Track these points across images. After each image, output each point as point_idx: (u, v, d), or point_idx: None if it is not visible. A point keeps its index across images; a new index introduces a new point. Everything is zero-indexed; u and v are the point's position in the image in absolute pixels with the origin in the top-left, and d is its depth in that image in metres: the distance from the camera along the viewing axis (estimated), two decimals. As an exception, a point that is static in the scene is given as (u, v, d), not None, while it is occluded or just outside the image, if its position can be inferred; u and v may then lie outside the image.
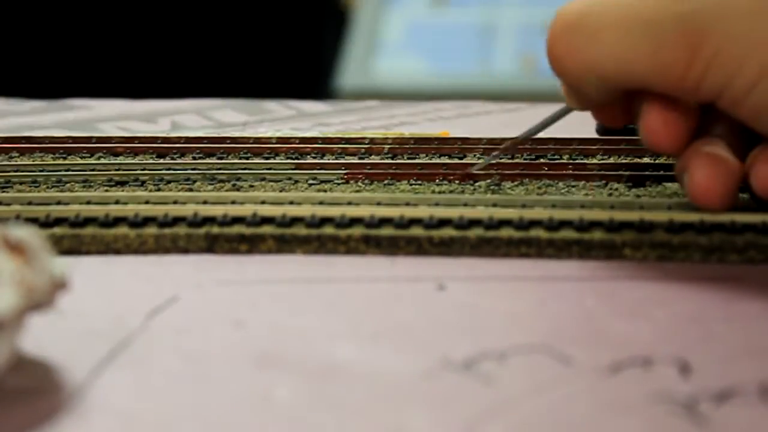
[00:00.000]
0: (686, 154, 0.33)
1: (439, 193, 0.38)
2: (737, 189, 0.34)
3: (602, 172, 0.39)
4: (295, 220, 0.35)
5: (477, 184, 0.39)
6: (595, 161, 0.41)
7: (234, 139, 0.45)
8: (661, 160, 0.41)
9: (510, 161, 0.41)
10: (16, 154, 0.44)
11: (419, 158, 0.43)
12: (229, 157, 0.43)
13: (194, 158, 0.43)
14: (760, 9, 0.31)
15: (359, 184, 0.39)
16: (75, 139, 0.46)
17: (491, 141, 0.43)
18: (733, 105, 0.32)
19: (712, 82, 0.32)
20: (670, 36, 0.32)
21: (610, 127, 0.36)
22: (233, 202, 0.36)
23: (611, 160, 0.42)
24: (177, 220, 0.35)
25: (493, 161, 0.40)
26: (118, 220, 0.35)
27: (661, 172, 0.39)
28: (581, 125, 0.42)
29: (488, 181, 0.39)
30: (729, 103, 0.32)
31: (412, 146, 0.43)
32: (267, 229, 0.34)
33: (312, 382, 0.25)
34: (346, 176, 0.40)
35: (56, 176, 0.40)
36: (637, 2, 0.32)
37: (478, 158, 0.41)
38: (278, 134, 0.47)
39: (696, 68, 0.31)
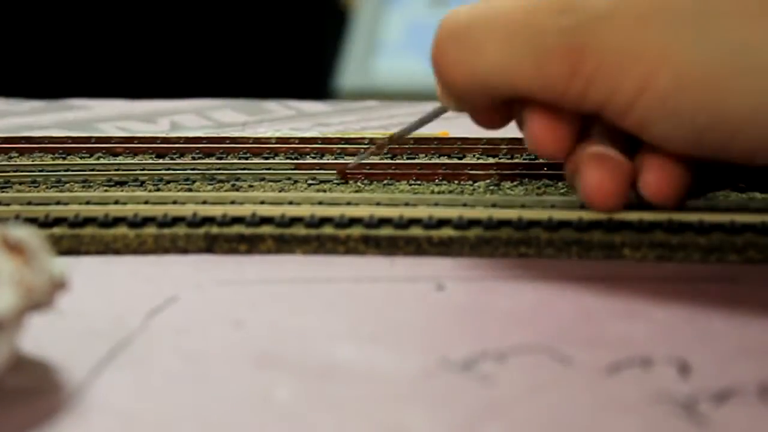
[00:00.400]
0: (576, 157, 0.34)
1: (439, 193, 0.38)
2: (629, 188, 0.34)
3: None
4: (295, 220, 0.35)
5: (476, 184, 0.39)
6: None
7: (233, 139, 0.45)
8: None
9: (509, 161, 0.42)
10: (16, 154, 0.44)
11: (418, 158, 0.43)
12: (229, 157, 0.43)
13: (193, 158, 0.43)
14: (638, 25, 0.31)
15: (358, 184, 0.39)
16: (74, 139, 0.46)
17: (491, 141, 0.43)
18: (617, 118, 0.32)
19: (594, 97, 0.32)
20: (553, 51, 0.32)
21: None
22: (232, 202, 0.36)
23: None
24: (176, 220, 0.35)
25: (366, 160, 0.40)
26: (117, 220, 0.35)
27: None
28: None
29: (487, 181, 0.39)
30: (613, 116, 0.32)
31: (411, 146, 0.43)
32: (266, 229, 0.34)
33: (312, 382, 0.25)
34: (339, 172, 0.39)
35: (55, 176, 0.40)
36: (522, 15, 0.32)
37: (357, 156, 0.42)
38: (278, 134, 0.47)
39: (578, 83, 0.32)
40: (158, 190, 0.39)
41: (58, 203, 0.36)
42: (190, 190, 0.39)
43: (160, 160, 0.43)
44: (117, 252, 0.34)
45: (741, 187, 0.38)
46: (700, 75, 0.30)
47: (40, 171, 0.41)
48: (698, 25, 0.30)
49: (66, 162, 0.42)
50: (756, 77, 0.30)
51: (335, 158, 0.43)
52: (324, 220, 0.35)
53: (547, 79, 0.32)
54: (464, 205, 0.36)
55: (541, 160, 0.41)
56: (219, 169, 0.41)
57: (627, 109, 0.32)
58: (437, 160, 0.42)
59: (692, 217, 0.34)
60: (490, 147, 0.43)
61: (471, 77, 0.33)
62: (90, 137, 0.46)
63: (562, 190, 0.38)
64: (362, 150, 0.42)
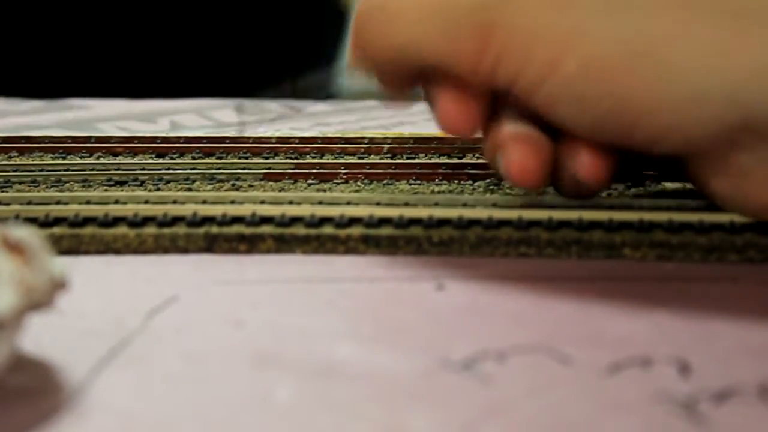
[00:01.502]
0: (496, 135, 0.34)
1: (439, 193, 0.38)
2: (551, 166, 0.34)
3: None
4: (295, 220, 0.35)
5: (476, 184, 0.39)
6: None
7: (233, 139, 0.45)
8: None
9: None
10: (16, 154, 0.44)
11: (418, 158, 0.43)
12: (229, 156, 0.43)
13: (193, 158, 0.43)
14: (548, 7, 0.31)
15: (358, 183, 0.39)
16: (74, 139, 0.46)
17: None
18: (526, 96, 0.32)
19: (503, 74, 0.32)
20: (464, 25, 0.32)
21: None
22: (232, 202, 0.36)
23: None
24: (176, 220, 0.35)
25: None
26: (117, 220, 0.35)
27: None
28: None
29: (487, 181, 0.39)
30: (522, 94, 0.32)
31: (411, 146, 0.43)
32: (266, 229, 0.34)
33: (312, 382, 0.25)
34: (345, 175, 0.40)
35: (55, 176, 0.40)
36: None
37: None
38: (278, 134, 0.47)
39: (487, 59, 0.32)
40: (158, 189, 0.39)
41: (58, 203, 0.36)
42: (190, 189, 0.39)
43: (160, 160, 0.43)
44: (117, 252, 0.34)
45: (649, 176, 0.38)
46: (605, 62, 0.31)
47: (40, 171, 0.41)
48: (607, 13, 0.31)
49: (66, 162, 0.42)
50: (658, 69, 0.30)
51: (335, 158, 0.43)
52: (324, 220, 0.35)
53: (458, 54, 0.32)
54: (464, 205, 0.36)
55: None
56: (219, 169, 0.41)
57: (534, 89, 0.32)
58: (437, 160, 0.42)
59: (692, 217, 0.34)
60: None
61: (388, 49, 0.34)
62: (90, 137, 0.46)
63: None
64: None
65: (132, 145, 0.44)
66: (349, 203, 0.36)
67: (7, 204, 0.36)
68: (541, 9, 0.31)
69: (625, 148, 0.33)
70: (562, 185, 0.35)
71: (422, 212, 0.35)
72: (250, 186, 0.39)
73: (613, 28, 0.31)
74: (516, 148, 0.33)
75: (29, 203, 0.36)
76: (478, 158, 0.42)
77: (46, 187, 0.39)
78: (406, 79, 0.35)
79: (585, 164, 0.33)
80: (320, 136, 0.46)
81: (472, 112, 0.34)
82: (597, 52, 0.31)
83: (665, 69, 0.30)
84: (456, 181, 0.39)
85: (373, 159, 0.42)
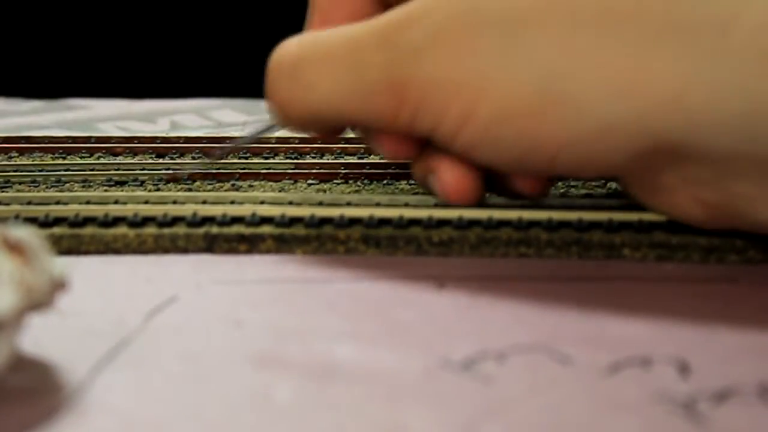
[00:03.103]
0: (427, 159, 0.35)
1: (439, 193, 0.38)
2: (484, 183, 0.35)
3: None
4: (295, 220, 0.35)
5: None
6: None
7: (234, 139, 0.45)
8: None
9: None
10: (16, 154, 0.44)
11: (419, 158, 0.43)
12: (229, 156, 0.43)
13: (194, 158, 0.43)
14: (455, 57, 0.32)
15: (358, 184, 0.39)
16: (74, 139, 0.46)
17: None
18: (445, 144, 0.33)
19: (421, 126, 0.33)
20: (377, 86, 0.33)
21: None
22: (232, 202, 0.36)
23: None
24: (176, 220, 0.35)
25: (196, 170, 0.40)
26: (117, 220, 0.35)
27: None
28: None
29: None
30: (442, 141, 0.33)
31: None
32: (266, 229, 0.35)
33: (312, 382, 0.25)
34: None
35: (55, 176, 0.40)
36: (345, 51, 0.33)
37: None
38: (278, 134, 0.47)
39: (405, 114, 0.33)
40: (158, 189, 0.39)
41: (58, 203, 0.36)
42: (190, 189, 0.39)
43: (160, 160, 0.43)
44: (117, 252, 0.34)
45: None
46: (515, 106, 0.31)
47: (40, 171, 0.41)
48: (511, 57, 0.31)
49: (66, 162, 0.42)
50: (565, 106, 0.31)
51: (335, 158, 0.43)
52: (324, 220, 0.35)
53: (375, 113, 0.33)
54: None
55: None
56: (219, 169, 0.41)
57: (452, 137, 0.33)
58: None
59: (692, 217, 0.34)
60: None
61: (304, 112, 0.34)
62: (90, 137, 0.46)
63: (561, 190, 0.38)
64: (195, 159, 0.43)
65: (132, 145, 0.44)
66: (349, 203, 0.36)
67: (7, 204, 0.36)
68: (449, 61, 0.32)
69: (553, 176, 0.35)
70: (502, 193, 0.36)
71: (422, 213, 0.35)
72: (250, 186, 0.39)
73: (519, 71, 0.31)
74: (449, 170, 0.34)
75: (29, 203, 0.36)
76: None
77: (46, 187, 0.39)
78: (330, 130, 0.36)
79: (448, 183, 0.34)
80: (320, 136, 0.45)
81: (410, 145, 0.35)
82: (506, 97, 0.31)
83: (573, 106, 0.31)
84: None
85: (373, 159, 0.42)
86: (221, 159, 0.42)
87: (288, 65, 0.34)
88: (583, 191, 0.38)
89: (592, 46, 0.30)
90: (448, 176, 0.34)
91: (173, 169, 0.41)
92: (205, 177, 0.40)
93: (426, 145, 0.34)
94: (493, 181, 0.35)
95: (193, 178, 0.40)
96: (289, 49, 0.34)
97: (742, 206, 0.31)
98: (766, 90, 0.29)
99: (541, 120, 0.31)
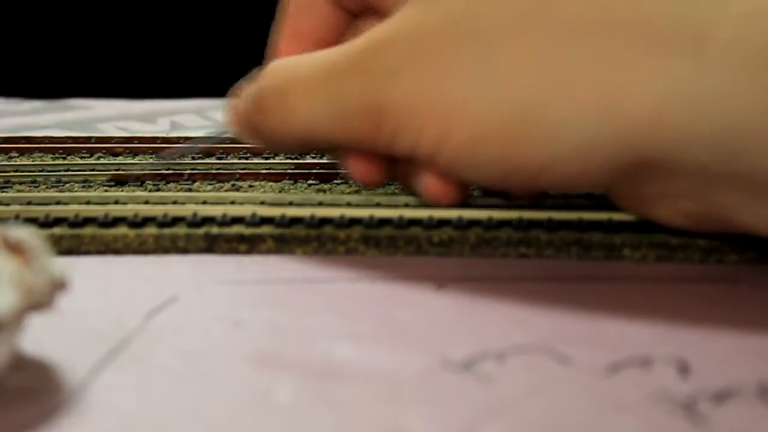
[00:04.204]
0: (407, 165, 0.35)
1: (439, 193, 0.38)
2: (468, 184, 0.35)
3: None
4: (295, 221, 0.35)
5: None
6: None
7: (233, 139, 0.45)
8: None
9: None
10: (16, 154, 0.44)
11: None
12: (229, 157, 0.43)
13: (194, 158, 0.43)
14: (430, 81, 0.32)
15: (358, 184, 0.39)
16: (74, 139, 0.46)
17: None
18: (426, 162, 0.33)
19: (400, 147, 0.33)
20: (355, 111, 0.33)
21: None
22: (233, 203, 0.36)
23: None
24: (176, 220, 0.35)
25: (148, 171, 0.41)
26: (117, 220, 0.35)
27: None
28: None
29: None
30: (422, 161, 0.33)
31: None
32: (266, 230, 0.35)
33: (312, 382, 0.25)
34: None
35: (56, 176, 0.40)
36: (324, 77, 0.34)
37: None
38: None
39: (383, 137, 0.33)
40: (158, 190, 0.39)
41: (58, 203, 0.36)
42: (190, 190, 0.39)
43: (158, 159, 0.43)
44: (117, 252, 0.34)
45: None
46: (492, 128, 0.31)
47: (40, 171, 0.41)
48: (487, 80, 0.31)
49: (66, 162, 0.42)
50: (544, 128, 0.30)
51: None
52: (324, 221, 0.35)
53: (355, 136, 0.33)
54: (464, 205, 0.36)
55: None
56: (219, 169, 0.41)
57: (431, 158, 0.33)
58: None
59: (692, 218, 0.34)
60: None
61: (285, 134, 0.35)
62: (90, 137, 0.46)
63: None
64: (147, 161, 0.43)
65: (132, 146, 0.44)
66: (349, 204, 0.36)
67: (8, 204, 0.36)
68: (424, 84, 0.32)
69: (539, 191, 0.35)
70: (497, 194, 0.36)
71: (422, 213, 0.35)
72: (251, 186, 0.39)
73: (493, 93, 0.31)
74: (430, 175, 0.34)
75: (29, 203, 0.36)
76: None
77: (47, 188, 0.39)
78: (305, 149, 0.37)
79: (430, 186, 0.35)
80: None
81: (380, 169, 0.35)
82: (482, 120, 0.31)
83: (550, 127, 0.30)
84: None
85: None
86: (173, 160, 0.41)
87: (271, 90, 0.35)
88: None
89: (567, 65, 0.30)
90: (429, 178, 0.34)
91: (174, 170, 0.41)
92: (205, 177, 0.40)
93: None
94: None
95: (142, 179, 0.40)
96: (275, 72, 0.35)
97: (727, 215, 0.31)
98: (743, 104, 0.28)
99: (519, 142, 0.31)
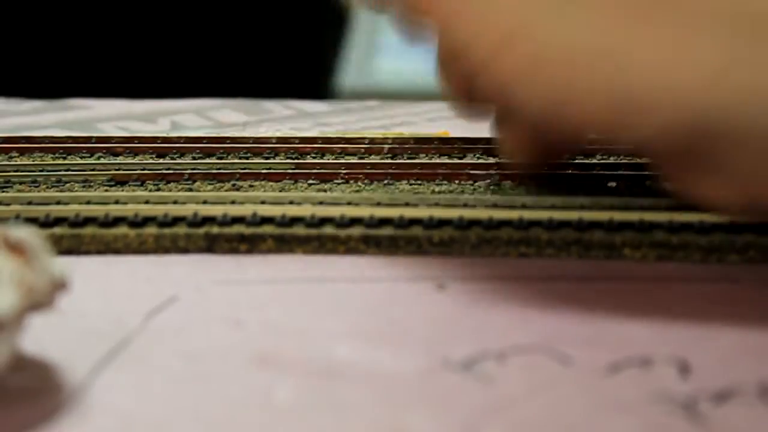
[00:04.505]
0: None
1: (439, 193, 0.38)
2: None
3: (602, 172, 0.40)
4: (295, 220, 0.35)
5: (477, 183, 0.39)
6: (594, 161, 0.41)
7: (234, 139, 0.45)
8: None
9: (509, 161, 0.41)
10: (16, 154, 0.44)
11: (419, 158, 0.43)
12: (229, 157, 0.43)
13: (194, 158, 0.43)
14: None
15: (359, 184, 0.39)
16: (75, 139, 0.46)
17: (491, 141, 0.43)
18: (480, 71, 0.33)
19: (456, 38, 0.33)
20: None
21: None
22: (233, 202, 0.36)
23: (611, 160, 0.42)
24: (177, 220, 0.35)
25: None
26: (117, 220, 0.35)
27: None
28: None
29: (488, 181, 0.39)
30: (476, 67, 0.33)
31: (411, 146, 0.43)
32: (267, 229, 0.35)
33: (312, 382, 0.25)
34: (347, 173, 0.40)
35: (56, 176, 0.40)
36: None
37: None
38: (278, 134, 0.47)
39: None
40: (159, 189, 0.39)
41: (58, 203, 0.36)
42: (190, 189, 0.39)
43: (161, 160, 0.43)
44: (117, 252, 0.34)
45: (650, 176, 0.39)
46: (552, 52, 0.31)
47: (40, 171, 0.41)
48: (561, 10, 0.31)
49: (66, 162, 0.42)
50: (616, 68, 0.30)
51: (336, 158, 0.43)
52: (324, 220, 0.35)
53: None
54: (465, 205, 0.36)
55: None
56: (219, 169, 0.41)
57: (488, 63, 0.32)
58: (438, 160, 0.42)
59: (692, 217, 0.34)
60: (491, 147, 0.43)
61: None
62: (90, 137, 0.46)
63: (561, 190, 0.38)
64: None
65: (132, 145, 0.44)
66: (349, 203, 0.36)
67: (8, 204, 0.36)
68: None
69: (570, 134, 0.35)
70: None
71: (423, 212, 0.35)
72: (251, 186, 0.39)
73: (573, 22, 0.31)
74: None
75: (30, 203, 0.36)
76: (478, 158, 0.42)
77: (47, 188, 0.39)
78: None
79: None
80: (320, 136, 0.46)
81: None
82: (544, 41, 0.31)
83: (607, 68, 0.30)
84: (456, 182, 0.39)
85: (374, 159, 0.42)
86: None
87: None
88: (583, 190, 0.38)
89: (649, 20, 0.30)
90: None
91: (174, 170, 0.41)
92: (205, 177, 0.40)
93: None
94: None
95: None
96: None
97: None
98: None
99: (575, 75, 0.31)
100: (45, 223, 0.35)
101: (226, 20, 0.96)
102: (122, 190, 0.39)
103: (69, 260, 0.33)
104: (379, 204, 0.36)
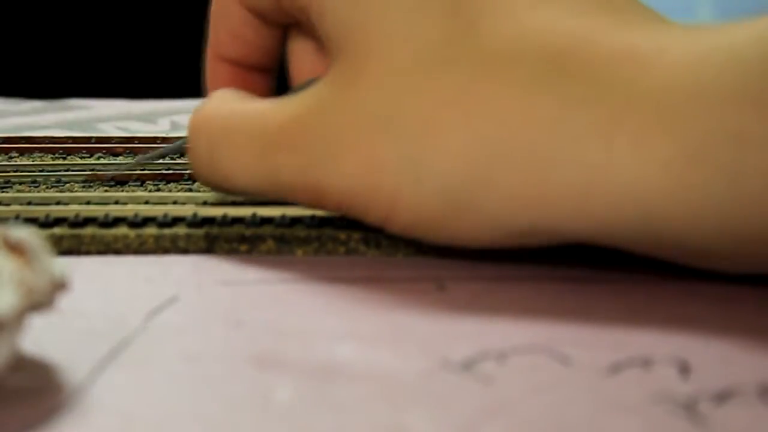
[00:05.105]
0: None
1: (439, 193, 0.38)
2: None
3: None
4: (295, 221, 0.35)
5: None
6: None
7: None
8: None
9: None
10: (16, 154, 0.44)
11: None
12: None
13: (171, 159, 0.43)
14: (367, 165, 0.31)
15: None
16: (74, 139, 0.46)
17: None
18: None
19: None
20: (294, 185, 0.33)
21: None
22: (233, 203, 0.36)
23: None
24: (177, 221, 0.35)
25: (121, 171, 0.41)
26: (117, 221, 0.35)
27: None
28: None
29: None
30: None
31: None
32: (267, 230, 0.35)
33: (312, 382, 0.25)
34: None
35: (56, 176, 0.40)
36: (258, 145, 0.34)
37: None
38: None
39: (327, 208, 0.33)
40: (158, 190, 0.39)
41: (58, 203, 0.36)
42: (190, 190, 0.39)
43: (161, 160, 0.43)
44: (117, 252, 0.34)
45: None
46: (429, 215, 0.31)
47: (40, 171, 0.41)
48: (415, 163, 0.31)
49: (66, 162, 0.42)
50: (478, 215, 0.30)
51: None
52: (324, 221, 0.35)
53: (295, 200, 0.34)
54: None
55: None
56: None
57: (380, 227, 0.33)
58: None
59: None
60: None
61: (228, 191, 0.35)
62: (90, 137, 0.46)
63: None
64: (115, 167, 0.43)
65: (132, 146, 0.44)
66: (349, 203, 0.36)
67: (8, 204, 0.36)
68: (360, 173, 0.31)
69: None
70: None
71: (422, 212, 0.35)
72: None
73: (425, 181, 0.31)
74: None
75: (29, 203, 0.36)
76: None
77: (47, 188, 0.39)
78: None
79: None
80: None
81: None
82: (418, 206, 0.31)
83: (481, 218, 0.30)
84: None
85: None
86: (146, 162, 0.41)
87: (204, 147, 0.35)
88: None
89: (488, 156, 0.30)
90: None
91: (174, 170, 0.40)
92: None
93: None
94: None
95: (116, 179, 0.40)
96: (205, 122, 0.35)
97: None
98: (659, 188, 0.28)
99: (457, 226, 0.31)
100: (45, 223, 0.35)
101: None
102: (122, 191, 0.39)
103: (69, 260, 0.33)
104: (379, 204, 0.36)
